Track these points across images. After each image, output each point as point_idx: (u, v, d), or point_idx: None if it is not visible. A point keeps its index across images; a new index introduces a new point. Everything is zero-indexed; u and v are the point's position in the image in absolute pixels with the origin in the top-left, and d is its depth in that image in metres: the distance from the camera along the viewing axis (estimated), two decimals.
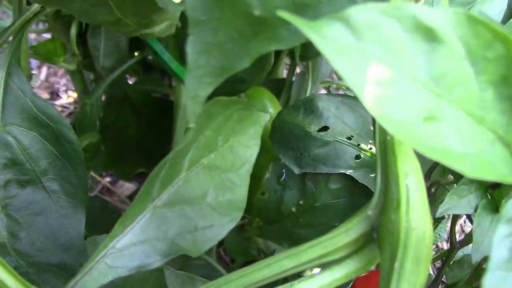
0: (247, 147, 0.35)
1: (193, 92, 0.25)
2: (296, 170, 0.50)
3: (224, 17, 0.24)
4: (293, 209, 0.53)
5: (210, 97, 0.47)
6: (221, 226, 0.32)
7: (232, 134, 0.35)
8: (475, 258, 0.37)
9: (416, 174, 0.29)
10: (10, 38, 0.49)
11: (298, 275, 0.32)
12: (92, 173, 0.97)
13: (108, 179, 1.18)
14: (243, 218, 1.10)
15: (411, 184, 0.28)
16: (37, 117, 0.43)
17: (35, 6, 0.49)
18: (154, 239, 0.31)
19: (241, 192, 0.34)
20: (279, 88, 0.87)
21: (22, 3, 0.49)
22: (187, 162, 0.33)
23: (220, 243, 0.83)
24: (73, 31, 0.71)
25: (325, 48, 0.19)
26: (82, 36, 0.78)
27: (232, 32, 0.25)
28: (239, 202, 0.34)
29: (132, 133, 0.85)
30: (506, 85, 0.22)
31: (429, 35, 0.20)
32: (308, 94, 0.83)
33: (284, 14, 0.19)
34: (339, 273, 0.29)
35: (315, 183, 0.51)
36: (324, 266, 0.29)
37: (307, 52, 0.75)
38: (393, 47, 0.20)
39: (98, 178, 1.00)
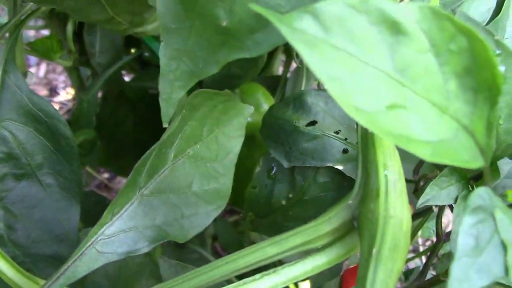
0: (231, 138, 0.36)
1: (166, 94, 0.27)
2: (285, 164, 0.51)
3: (194, 27, 0.26)
4: (283, 202, 0.54)
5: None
6: (207, 214, 0.34)
7: (217, 125, 0.36)
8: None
9: (395, 166, 0.30)
10: (7, 35, 0.50)
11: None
12: (88, 169, 0.98)
13: (106, 175, 1.19)
14: (237, 213, 1.12)
15: (390, 175, 0.29)
16: (33, 113, 0.44)
17: (31, 5, 0.51)
18: (141, 226, 0.32)
19: (226, 181, 0.35)
20: (274, 84, 0.88)
21: (17, 2, 0.50)
22: (173, 152, 0.34)
23: (215, 237, 0.84)
24: (70, 28, 0.72)
25: (294, 40, 0.20)
26: (78, 33, 0.79)
27: (201, 41, 0.26)
28: (224, 190, 0.35)
29: (129, 129, 0.86)
30: (470, 76, 0.23)
31: (395, 28, 0.22)
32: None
33: (257, 8, 0.21)
34: (321, 259, 0.30)
35: (304, 176, 0.53)
36: (307, 253, 0.31)
37: None
38: (359, 39, 0.21)
39: (94, 174, 1.02)
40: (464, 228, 0.23)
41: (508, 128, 0.37)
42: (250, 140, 0.76)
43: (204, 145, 0.35)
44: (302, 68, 0.85)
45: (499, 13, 0.54)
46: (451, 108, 0.23)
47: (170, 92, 0.27)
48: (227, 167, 0.35)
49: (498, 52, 0.36)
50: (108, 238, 0.32)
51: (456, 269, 0.23)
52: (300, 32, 0.21)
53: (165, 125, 0.28)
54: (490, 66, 0.23)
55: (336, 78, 0.20)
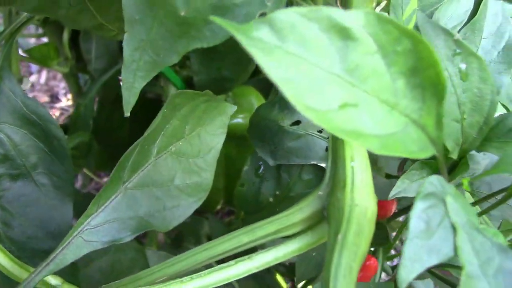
0: (214, 135, 0.38)
1: (129, 84, 0.29)
2: (271, 162, 0.53)
3: (156, 17, 0.28)
4: (271, 199, 0.56)
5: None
6: (188, 206, 0.36)
7: (199, 124, 0.38)
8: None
9: (361, 158, 0.32)
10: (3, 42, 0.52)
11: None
12: (86, 172, 1.01)
13: (106, 179, 1.22)
14: (232, 212, 1.13)
15: (356, 167, 0.32)
16: (27, 116, 0.46)
17: (25, 14, 0.53)
18: (125, 217, 0.34)
19: (207, 175, 0.37)
20: (268, 87, 0.90)
21: (12, 11, 0.53)
22: (156, 148, 0.36)
23: (210, 237, 0.86)
24: (66, 35, 0.75)
25: (251, 48, 0.22)
26: (75, 40, 0.81)
27: (163, 31, 0.28)
28: (205, 184, 0.37)
29: (125, 133, 0.88)
30: (416, 75, 0.25)
31: (344, 33, 0.24)
32: None
33: (215, 19, 0.23)
34: (293, 246, 0.33)
35: (289, 174, 0.55)
36: (280, 241, 0.33)
37: None
38: (311, 45, 0.23)
39: (92, 176, 1.04)
40: (415, 213, 0.26)
41: (472, 122, 0.39)
42: (242, 141, 0.78)
43: (186, 142, 0.37)
44: None
45: (476, 14, 0.55)
46: (400, 105, 0.25)
47: (133, 81, 0.29)
48: (209, 162, 0.37)
49: (458, 51, 0.38)
50: (94, 228, 0.34)
51: (408, 250, 0.25)
52: (257, 40, 0.23)
53: (126, 114, 0.29)
54: (433, 65, 0.25)
55: (290, 80, 0.23)
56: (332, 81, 0.24)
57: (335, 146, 0.33)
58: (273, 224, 0.33)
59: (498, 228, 0.55)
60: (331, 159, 0.34)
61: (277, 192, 0.56)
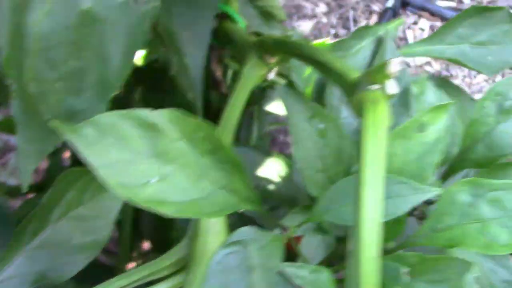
0: (114, 199, 0.45)
1: (24, 167, 0.37)
2: None
3: (30, 123, 0.36)
4: None
5: None
6: (84, 259, 0.42)
7: (99, 191, 0.45)
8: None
9: None
10: None
11: None
12: None
13: None
14: None
15: (207, 221, 0.39)
16: None
17: None
18: (26, 273, 0.41)
19: (105, 233, 0.44)
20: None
21: None
22: (55, 215, 0.43)
23: None
24: None
25: (77, 144, 0.30)
26: None
27: (39, 131, 0.36)
28: (102, 241, 0.44)
29: None
30: (217, 153, 0.33)
31: (152, 127, 0.32)
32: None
33: (53, 123, 0.31)
34: (165, 286, 0.40)
35: None
36: (153, 283, 0.40)
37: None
38: (126, 138, 0.31)
39: None
40: (215, 258, 0.33)
41: (337, 172, 0.46)
42: None
43: (86, 208, 0.43)
44: (254, 113, 0.95)
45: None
46: (209, 176, 0.33)
47: (27, 165, 0.37)
48: (108, 223, 0.43)
49: (315, 113, 0.45)
50: None
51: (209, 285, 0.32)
52: (83, 136, 0.31)
53: (25, 190, 0.37)
54: (222, 147, 0.33)
55: (107, 165, 0.30)
56: (144, 164, 0.31)
57: None
58: (147, 268, 0.40)
59: None
60: None
61: None
